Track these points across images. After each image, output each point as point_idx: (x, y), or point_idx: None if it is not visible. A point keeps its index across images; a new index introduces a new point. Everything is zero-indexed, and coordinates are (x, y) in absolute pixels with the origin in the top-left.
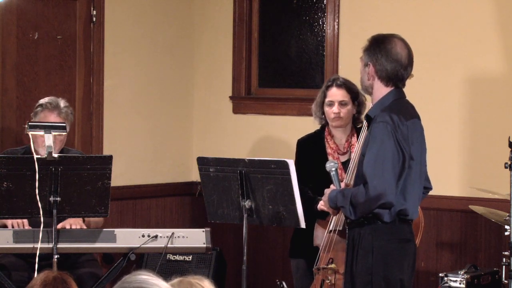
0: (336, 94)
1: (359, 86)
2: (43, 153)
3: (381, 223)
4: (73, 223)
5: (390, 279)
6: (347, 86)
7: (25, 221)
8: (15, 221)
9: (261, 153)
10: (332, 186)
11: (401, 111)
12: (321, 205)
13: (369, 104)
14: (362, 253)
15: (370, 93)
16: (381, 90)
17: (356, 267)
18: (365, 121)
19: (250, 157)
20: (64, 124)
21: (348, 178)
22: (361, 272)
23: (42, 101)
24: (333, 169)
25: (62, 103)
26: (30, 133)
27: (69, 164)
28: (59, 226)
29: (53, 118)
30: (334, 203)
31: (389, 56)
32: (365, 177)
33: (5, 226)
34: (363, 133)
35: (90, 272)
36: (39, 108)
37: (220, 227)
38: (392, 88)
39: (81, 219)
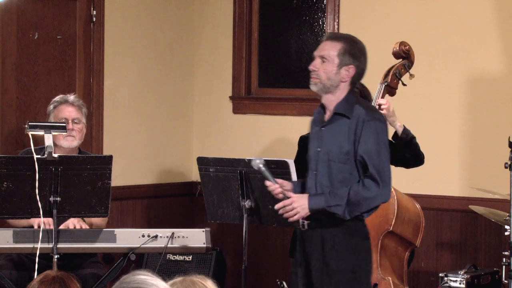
0: None
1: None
2: (66, 145)
3: (357, 221)
4: (77, 225)
5: (369, 274)
6: (362, 94)
7: (50, 219)
8: (36, 220)
9: (261, 153)
10: (268, 183)
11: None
12: (280, 211)
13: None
14: (340, 252)
15: (329, 92)
16: (346, 90)
17: (336, 266)
18: (331, 115)
19: (250, 157)
20: (64, 124)
21: None
22: (342, 270)
23: (52, 100)
24: (261, 165)
25: (72, 96)
26: (30, 133)
27: (69, 164)
28: (61, 226)
29: (67, 110)
30: (319, 205)
31: (366, 58)
32: (373, 174)
33: (31, 226)
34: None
35: (92, 273)
36: (51, 106)
37: (220, 227)
38: (350, 87)
39: (83, 222)
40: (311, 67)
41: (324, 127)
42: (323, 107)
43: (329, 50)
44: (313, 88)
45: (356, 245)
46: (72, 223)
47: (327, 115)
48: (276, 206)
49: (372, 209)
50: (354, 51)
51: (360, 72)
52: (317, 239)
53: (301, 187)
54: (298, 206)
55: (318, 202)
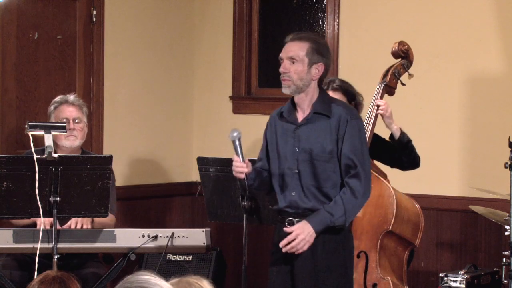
0: None
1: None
2: (68, 144)
3: None
4: (79, 222)
5: (353, 268)
6: (343, 88)
7: (51, 219)
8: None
9: None
10: (235, 157)
11: None
12: (287, 247)
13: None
14: (331, 249)
15: (302, 92)
16: (316, 87)
17: (329, 263)
18: (310, 115)
19: (250, 157)
20: (64, 124)
21: None
22: (334, 266)
23: (53, 101)
24: (237, 139)
25: (72, 96)
26: (30, 133)
27: (69, 164)
28: (65, 226)
29: (68, 110)
30: (323, 225)
31: (331, 55)
32: (360, 173)
33: (34, 224)
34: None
35: (93, 272)
36: (52, 107)
37: (220, 227)
38: (318, 85)
39: (88, 219)
40: (281, 70)
41: (301, 126)
42: (294, 105)
43: (298, 51)
44: (286, 90)
45: (343, 240)
46: (75, 221)
47: (300, 114)
48: (281, 244)
49: None
50: (321, 49)
51: (327, 69)
52: None
53: (255, 172)
54: (305, 236)
55: (321, 223)
